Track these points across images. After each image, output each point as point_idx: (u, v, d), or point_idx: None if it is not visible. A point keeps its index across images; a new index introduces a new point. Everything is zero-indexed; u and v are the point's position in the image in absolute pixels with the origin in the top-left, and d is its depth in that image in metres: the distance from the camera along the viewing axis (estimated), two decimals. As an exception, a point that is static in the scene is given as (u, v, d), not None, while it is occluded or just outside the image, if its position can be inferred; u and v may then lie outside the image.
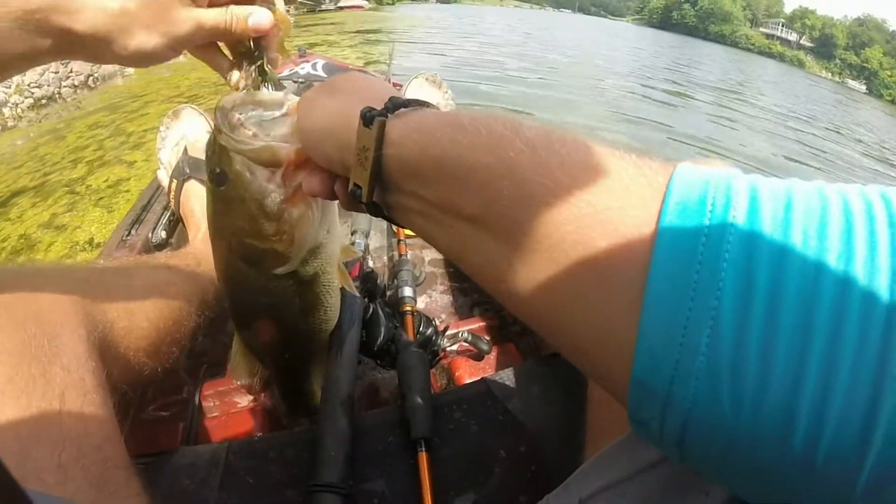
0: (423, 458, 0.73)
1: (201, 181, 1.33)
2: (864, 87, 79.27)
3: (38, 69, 11.37)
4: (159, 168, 1.45)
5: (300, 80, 2.22)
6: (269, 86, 0.64)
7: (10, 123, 9.28)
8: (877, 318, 0.25)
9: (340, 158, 0.49)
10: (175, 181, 1.37)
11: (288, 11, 0.68)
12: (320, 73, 2.30)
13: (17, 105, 10.19)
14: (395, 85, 1.85)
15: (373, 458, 0.76)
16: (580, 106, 6.30)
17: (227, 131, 0.59)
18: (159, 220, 1.41)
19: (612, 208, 0.32)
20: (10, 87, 10.51)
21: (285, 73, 2.17)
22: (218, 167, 0.61)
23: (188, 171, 1.35)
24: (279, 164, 0.59)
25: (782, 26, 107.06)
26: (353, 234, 1.18)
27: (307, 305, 0.72)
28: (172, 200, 1.37)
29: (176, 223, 1.41)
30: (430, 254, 1.38)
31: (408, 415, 0.77)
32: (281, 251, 0.64)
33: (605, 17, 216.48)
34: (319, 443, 0.72)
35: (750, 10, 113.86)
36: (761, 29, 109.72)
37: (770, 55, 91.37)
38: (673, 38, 71.89)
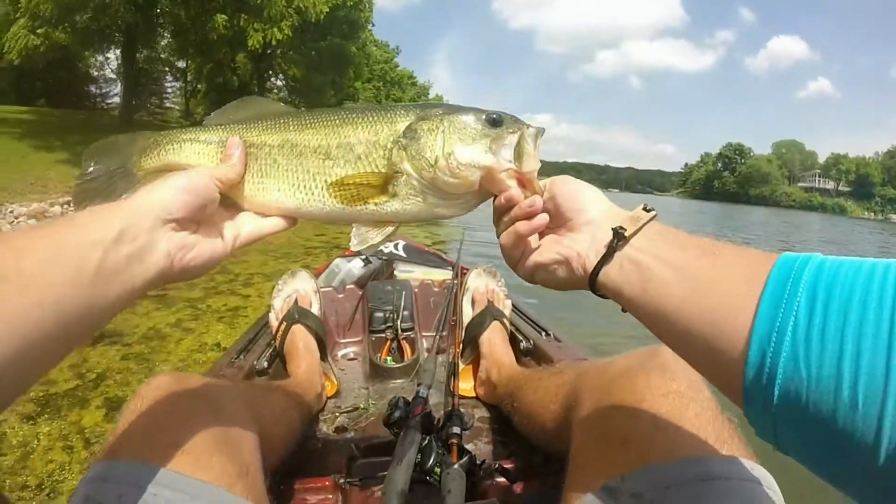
0: None
1: (307, 326, 1.69)
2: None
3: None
4: (270, 311, 1.80)
5: (384, 256, 2.64)
6: None
7: None
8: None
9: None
10: (284, 324, 1.70)
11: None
12: (401, 252, 2.69)
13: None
14: (463, 269, 2.26)
15: None
16: None
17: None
18: (263, 352, 1.70)
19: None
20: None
21: None
22: (502, 117, 0.75)
23: (297, 317, 1.70)
24: (528, 166, 0.74)
25: (819, 176, 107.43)
26: (418, 385, 1.36)
27: None
28: (278, 339, 1.69)
29: (274, 357, 1.69)
30: (480, 412, 1.60)
31: None
32: (433, 175, 0.74)
33: (651, 193, 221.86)
34: None
35: (786, 167, 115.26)
36: (799, 183, 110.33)
37: (812, 208, 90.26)
38: (716, 206, 72.86)
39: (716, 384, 0.57)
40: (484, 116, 0.73)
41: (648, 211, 0.65)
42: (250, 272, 6.93)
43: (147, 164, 0.83)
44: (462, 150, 0.71)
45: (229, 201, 0.77)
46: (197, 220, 0.68)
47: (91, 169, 0.82)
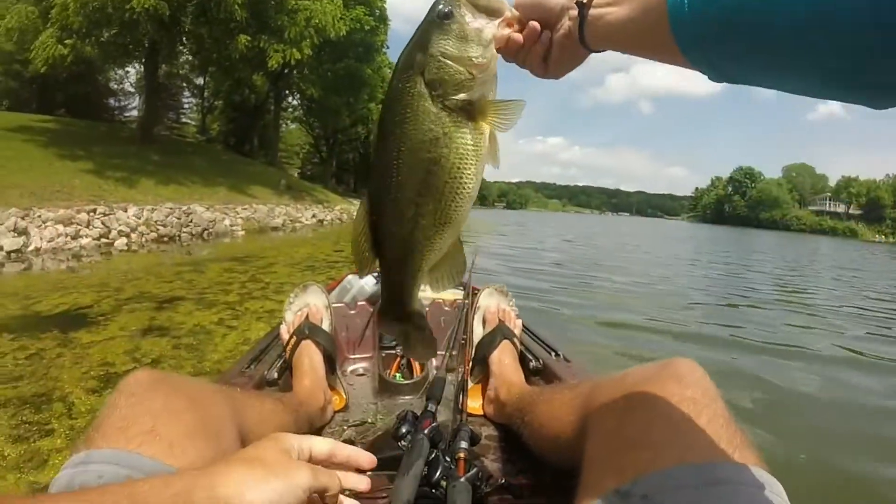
0: None
1: (316, 342, 1.71)
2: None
3: (164, 212, 13.01)
4: (282, 324, 1.85)
5: None
6: None
7: (133, 247, 10.73)
8: None
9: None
10: (294, 338, 1.72)
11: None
12: None
13: (143, 234, 11.69)
14: (474, 289, 2.22)
15: None
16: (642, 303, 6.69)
17: None
18: (273, 363, 1.72)
19: None
20: (140, 218, 12.08)
21: None
22: (447, 6, 0.78)
23: (306, 332, 1.72)
24: (500, 14, 0.79)
25: (829, 199, 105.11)
26: (427, 400, 1.41)
27: (455, 169, 0.81)
28: (288, 352, 1.71)
29: (284, 369, 1.70)
30: (487, 430, 1.59)
31: None
32: (474, 74, 0.78)
33: (661, 217, 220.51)
34: None
35: (796, 190, 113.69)
36: (810, 207, 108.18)
37: (823, 231, 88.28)
38: (726, 230, 72.34)
39: (656, 53, 0.63)
40: (443, 22, 0.79)
41: None
42: (280, 281, 7.39)
43: None
44: (468, 47, 0.78)
45: None
46: None
47: None
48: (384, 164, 0.83)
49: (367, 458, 0.87)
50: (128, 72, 33.12)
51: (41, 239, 9.41)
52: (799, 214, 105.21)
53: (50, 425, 2.87)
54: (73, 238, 10.14)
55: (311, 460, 0.79)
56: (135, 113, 35.67)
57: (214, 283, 7.03)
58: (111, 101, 35.96)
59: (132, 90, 36.14)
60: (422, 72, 0.78)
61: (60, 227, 10.00)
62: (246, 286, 6.86)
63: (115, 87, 35.66)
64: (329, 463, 0.83)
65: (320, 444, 0.82)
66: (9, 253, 8.52)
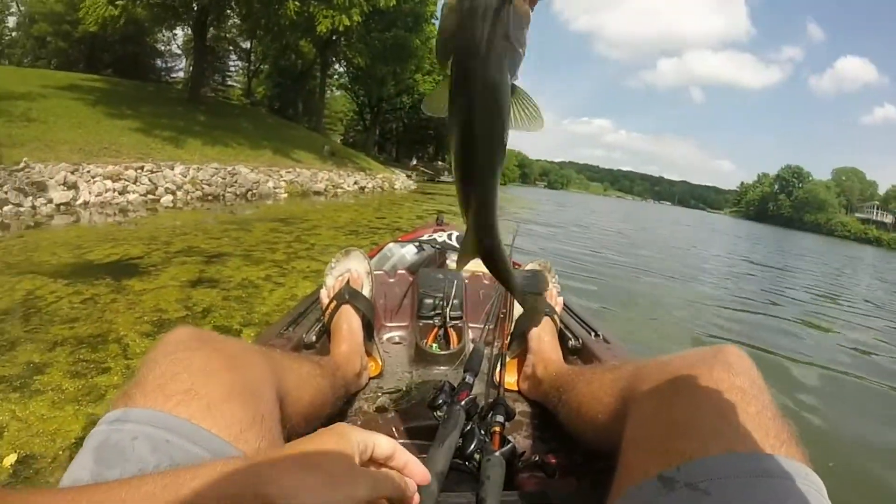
0: None
1: (355, 307, 1.68)
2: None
3: (210, 171, 13.17)
4: (322, 288, 1.83)
5: (437, 245, 2.67)
6: None
7: (178, 204, 10.90)
8: None
9: None
10: (335, 302, 1.70)
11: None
12: (454, 243, 2.70)
13: (188, 192, 11.86)
14: (515, 264, 2.15)
15: None
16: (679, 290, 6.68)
17: None
18: (312, 326, 1.70)
19: None
20: (186, 176, 12.26)
21: (425, 237, 2.61)
22: None
23: (346, 297, 1.70)
24: None
25: (877, 209, 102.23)
26: (465, 372, 1.40)
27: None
28: (327, 316, 1.70)
29: (322, 333, 1.69)
30: (521, 406, 1.58)
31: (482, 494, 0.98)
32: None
33: (703, 209, 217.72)
34: None
35: (844, 196, 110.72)
36: (856, 214, 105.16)
37: (867, 241, 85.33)
38: (769, 229, 71.22)
39: None
40: None
41: None
42: (324, 243, 7.42)
43: None
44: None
45: None
46: None
47: None
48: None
49: (422, 474, 0.80)
50: (175, 34, 33.58)
51: (89, 193, 9.61)
52: (844, 220, 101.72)
53: (106, 364, 2.92)
54: (121, 193, 10.34)
55: (371, 459, 0.75)
56: (181, 74, 36.34)
57: (260, 241, 7.08)
58: (158, 62, 36.56)
59: (179, 52, 36.66)
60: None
61: (108, 183, 10.19)
62: (292, 246, 6.89)
63: (163, 48, 36.16)
64: (383, 466, 0.78)
65: (383, 446, 0.76)
66: (58, 205, 8.69)
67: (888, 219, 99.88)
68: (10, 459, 2.09)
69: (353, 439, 0.72)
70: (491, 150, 0.75)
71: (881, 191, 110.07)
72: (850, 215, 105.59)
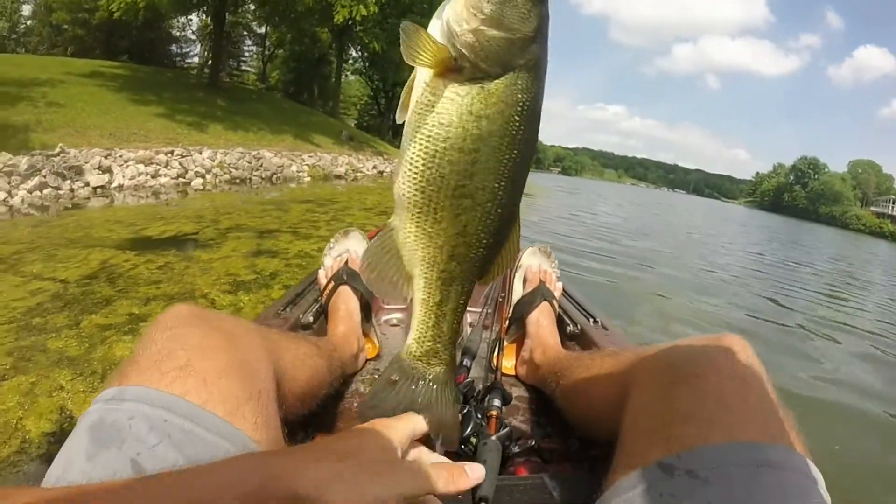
0: None
1: (354, 288, 1.65)
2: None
3: (236, 155, 13.60)
4: (320, 268, 1.81)
5: None
6: None
7: (207, 187, 11.46)
8: None
9: None
10: (332, 283, 1.68)
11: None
12: None
13: (217, 176, 12.33)
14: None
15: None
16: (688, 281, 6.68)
17: None
18: (309, 307, 1.70)
19: None
20: (214, 160, 12.69)
21: None
22: None
23: (345, 277, 1.67)
24: None
25: (893, 203, 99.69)
26: (462, 355, 1.40)
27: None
28: (325, 296, 1.68)
29: (319, 314, 1.68)
30: (518, 391, 1.56)
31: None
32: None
33: (718, 198, 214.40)
34: None
35: (860, 188, 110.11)
36: (872, 207, 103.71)
37: (882, 235, 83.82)
38: (784, 220, 70.96)
39: None
40: None
41: None
42: (360, 222, 8.02)
43: None
44: None
45: None
46: None
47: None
48: None
49: (479, 471, 0.74)
50: (190, 20, 33.94)
51: (123, 177, 10.06)
52: (859, 213, 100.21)
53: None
54: (153, 177, 10.79)
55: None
56: (195, 60, 36.67)
57: (301, 220, 7.57)
58: (173, 47, 36.92)
59: (193, 38, 37.03)
60: None
61: (141, 167, 10.66)
62: (331, 224, 7.41)
63: (178, 34, 36.55)
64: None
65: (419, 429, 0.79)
66: (94, 189, 9.13)
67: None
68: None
69: (397, 428, 0.73)
70: None
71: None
72: (866, 209, 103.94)
